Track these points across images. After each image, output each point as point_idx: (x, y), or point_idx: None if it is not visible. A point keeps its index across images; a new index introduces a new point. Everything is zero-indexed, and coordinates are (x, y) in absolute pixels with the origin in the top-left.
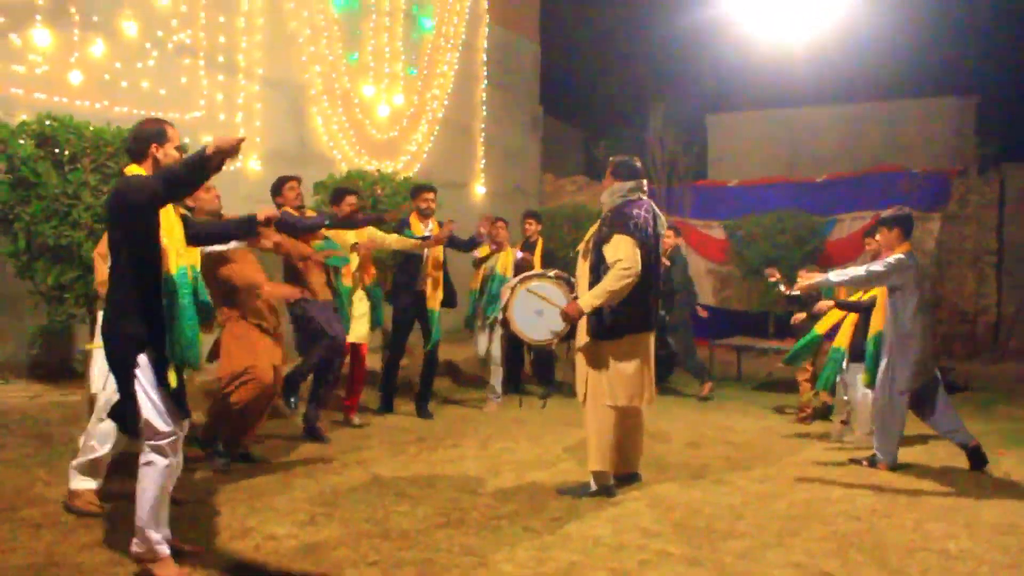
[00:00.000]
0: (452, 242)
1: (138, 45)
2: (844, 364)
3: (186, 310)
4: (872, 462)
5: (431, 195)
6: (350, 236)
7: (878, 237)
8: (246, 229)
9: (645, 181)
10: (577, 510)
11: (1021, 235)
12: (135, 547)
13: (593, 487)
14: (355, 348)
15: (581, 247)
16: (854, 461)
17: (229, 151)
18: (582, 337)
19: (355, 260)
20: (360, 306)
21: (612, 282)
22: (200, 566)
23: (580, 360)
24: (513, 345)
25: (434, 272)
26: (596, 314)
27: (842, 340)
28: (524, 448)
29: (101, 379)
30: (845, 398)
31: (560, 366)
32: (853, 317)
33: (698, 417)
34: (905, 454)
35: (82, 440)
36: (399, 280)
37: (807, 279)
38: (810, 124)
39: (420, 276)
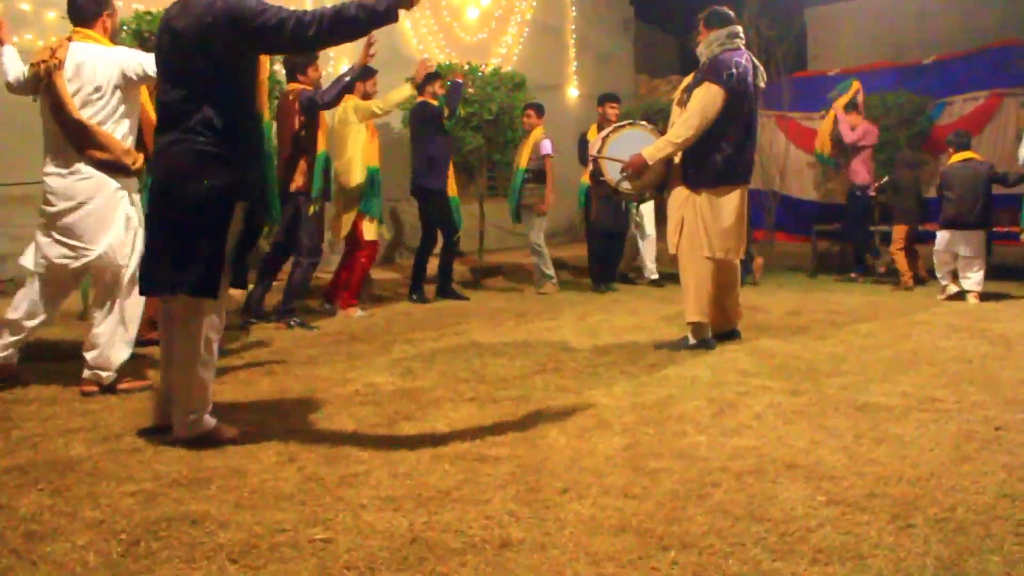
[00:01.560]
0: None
1: None
2: None
3: (272, 161)
4: None
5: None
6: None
7: None
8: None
9: (740, 28)
10: (675, 358)
11: None
12: (179, 432)
13: (692, 340)
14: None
15: (677, 95)
16: None
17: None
18: (676, 186)
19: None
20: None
21: (676, 134)
22: (301, 406)
23: (673, 209)
24: (602, 238)
25: None
26: (693, 162)
27: None
28: (622, 318)
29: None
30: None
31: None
32: None
33: (799, 295)
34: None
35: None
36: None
37: None
38: (917, 10)
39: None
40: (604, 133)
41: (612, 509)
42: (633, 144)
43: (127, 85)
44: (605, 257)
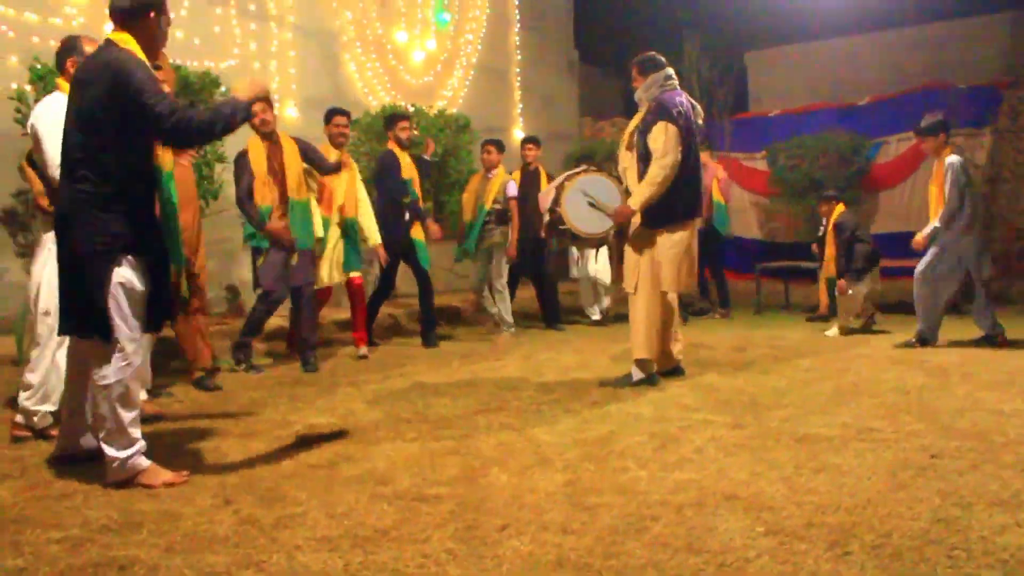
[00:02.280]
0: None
1: None
2: None
3: (175, 210)
4: (923, 340)
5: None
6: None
7: (924, 147)
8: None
9: (672, 70)
10: (618, 395)
11: None
12: (110, 475)
13: (637, 375)
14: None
15: (625, 138)
16: (907, 344)
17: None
18: (634, 226)
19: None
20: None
21: (654, 175)
22: (239, 448)
23: (634, 249)
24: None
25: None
26: (653, 205)
27: None
28: (567, 357)
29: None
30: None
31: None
32: None
33: (744, 331)
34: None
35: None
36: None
37: (923, 236)
38: (852, 54)
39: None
40: (558, 181)
41: (551, 545)
42: (595, 189)
43: (34, 137)
44: (549, 299)
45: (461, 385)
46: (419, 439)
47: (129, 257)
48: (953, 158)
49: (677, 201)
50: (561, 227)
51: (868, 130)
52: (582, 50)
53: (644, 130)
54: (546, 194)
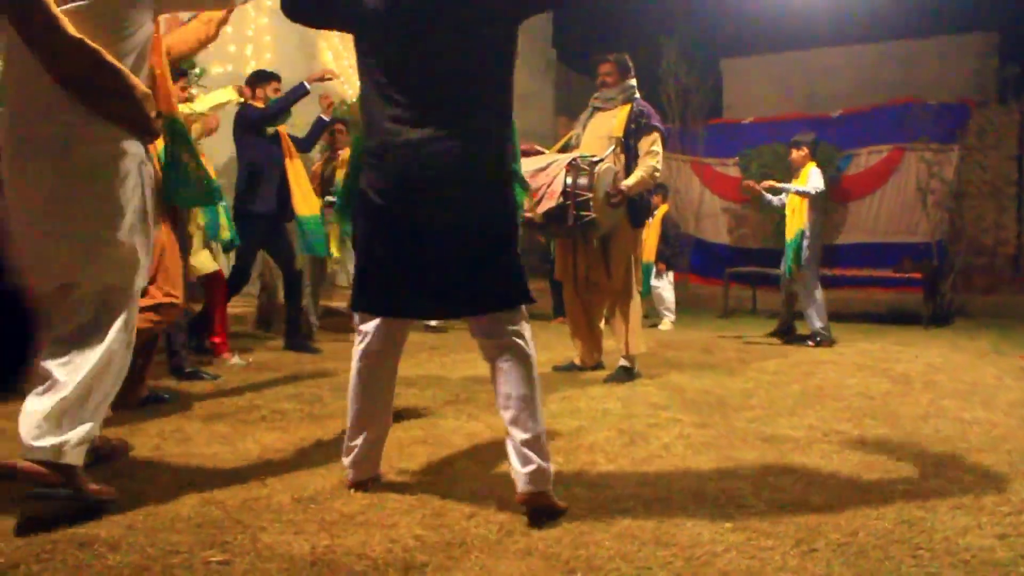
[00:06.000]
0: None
1: None
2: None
3: None
4: (817, 340)
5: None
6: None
7: (791, 156)
8: None
9: None
10: (587, 391)
11: None
12: None
13: (637, 370)
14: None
15: (609, 138)
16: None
17: None
18: (623, 228)
19: None
20: None
21: (650, 174)
22: (203, 431)
23: (621, 251)
24: None
25: None
26: (638, 204)
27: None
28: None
29: None
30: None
31: None
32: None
33: (711, 335)
34: (927, 355)
35: None
36: None
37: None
38: (826, 66)
39: None
40: (559, 163)
41: (519, 534)
42: (609, 179)
43: None
44: None
45: (430, 376)
46: None
47: None
48: (816, 169)
49: (649, 203)
50: (584, 214)
51: (839, 142)
52: (560, 50)
53: (638, 133)
54: (537, 175)
